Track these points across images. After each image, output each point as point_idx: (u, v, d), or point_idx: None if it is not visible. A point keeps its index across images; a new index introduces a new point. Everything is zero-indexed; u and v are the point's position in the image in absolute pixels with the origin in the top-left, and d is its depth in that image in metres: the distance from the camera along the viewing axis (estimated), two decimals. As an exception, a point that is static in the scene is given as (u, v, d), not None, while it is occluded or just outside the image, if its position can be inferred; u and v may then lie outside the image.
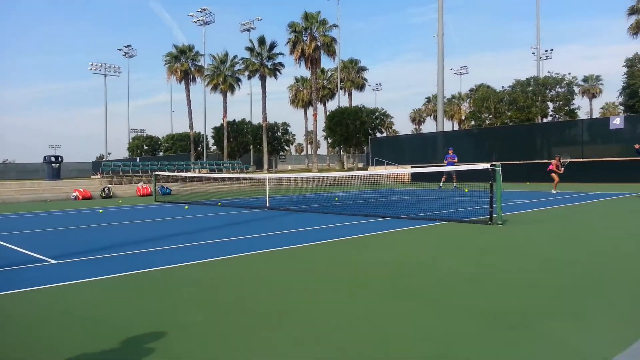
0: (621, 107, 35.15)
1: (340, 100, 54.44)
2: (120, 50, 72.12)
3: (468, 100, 62.31)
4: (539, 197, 15.91)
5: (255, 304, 4.19)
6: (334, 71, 60.49)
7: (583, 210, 11.74)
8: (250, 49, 50.71)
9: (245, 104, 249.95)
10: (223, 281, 5.08)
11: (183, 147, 71.34)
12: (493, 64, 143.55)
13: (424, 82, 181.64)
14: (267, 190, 14.85)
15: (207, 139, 62.00)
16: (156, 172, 22.15)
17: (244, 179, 26.38)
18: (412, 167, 30.48)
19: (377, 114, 47.57)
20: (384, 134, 53.00)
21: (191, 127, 57.97)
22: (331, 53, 48.38)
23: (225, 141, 55.14)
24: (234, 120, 59.91)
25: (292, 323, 3.64)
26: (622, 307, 3.88)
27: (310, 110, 59.85)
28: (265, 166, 51.48)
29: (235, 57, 54.26)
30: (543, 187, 20.36)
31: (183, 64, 54.65)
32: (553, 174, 17.92)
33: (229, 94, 54.92)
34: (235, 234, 8.60)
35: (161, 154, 77.62)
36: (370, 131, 45.87)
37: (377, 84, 79.69)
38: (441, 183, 21.50)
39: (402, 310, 3.92)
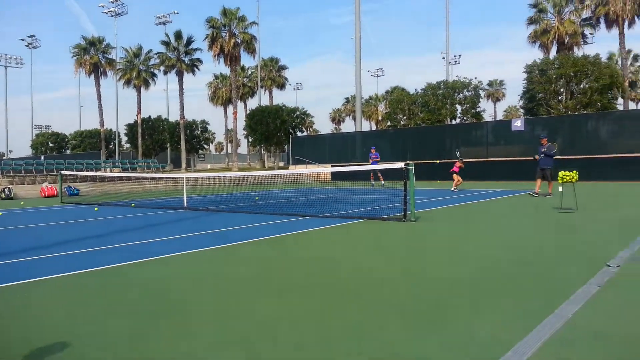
0: (522, 110, 37.98)
1: (261, 99, 54.19)
2: (22, 40, 66.83)
3: (384, 101, 64.53)
4: (449, 194, 16.82)
5: (169, 308, 4.07)
6: (255, 69, 59.99)
7: (489, 207, 12.58)
8: (166, 43, 49.01)
9: (162, 100, 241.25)
10: (135, 286, 4.88)
11: (93, 144, 67.36)
12: (407, 67, 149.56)
13: (343, 82, 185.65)
14: (184, 190, 14.43)
15: (119, 136, 59.03)
16: (62, 172, 20.71)
17: (160, 178, 25.44)
18: (332, 166, 31.01)
19: (297, 113, 47.82)
20: (305, 133, 53.47)
21: (102, 123, 54.97)
22: (251, 51, 47.97)
23: (140, 139, 52.80)
24: (149, 117, 57.49)
25: (209, 326, 3.58)
26: (523, 297, 4.20)
27: (230, 108, 58.88)
28: (184, 165, 50.01)
29: (150, 51, 52.21)
30: (452, 185, 21.53)
31: (93, 56, 51.67)
32: (455, 175, 19.01)
33: (143, 90, 52.75)
34: (149, 236, 8.28)
35: (68, 152, 72.78)
36: (291, 130, 46.03)
37: (297, 83, 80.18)
38: (373, 182, 22.08)
39: (319, 307, 3.98)
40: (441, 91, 38.07)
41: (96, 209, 14.19)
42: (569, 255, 5.99)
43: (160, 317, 3.80)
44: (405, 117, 39.35)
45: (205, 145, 66.78)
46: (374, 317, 3.71)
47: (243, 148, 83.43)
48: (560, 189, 10.98)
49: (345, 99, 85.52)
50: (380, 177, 21.84)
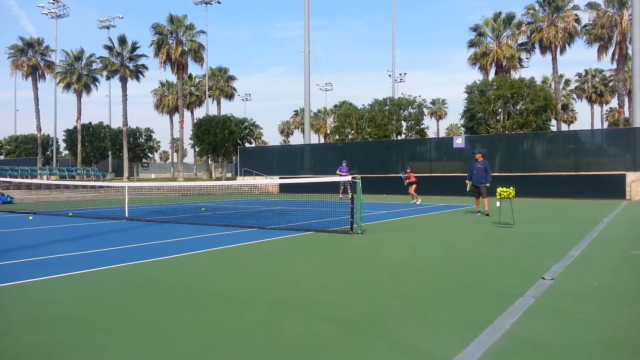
0: (463, 129, 39.52)
1: (209, 108, 53.43)
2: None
3: (333, 115, 65.28)
4: (394, 208, 17.19)
5: (102, 322, 3.90)
6: (202, 78, 59.23)
7: (432, 220, 12.95)
8: (110, 48, 47.58)
9: (104, 106, 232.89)
10: (69, 298, 4.64)
11: (29, 150, 63.99)
12: (355, 82, 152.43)
13: (293, 95, 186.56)
14: (126, 199, 13.95)
15: (57, 142, 56.36)
16: (-7, 178, 19.51)
17: (101, 187, 24.47)
18: (280, 178, 30.94)
19: (246, 124, 47.49)
20: (253, 145, 53.13)
21: (39, 128, 52.37)
22: (199, 59, 47.39)
23: (80, 146, 50.70)
24: (90, 123, 55.41)
25: (147, 342, 3.46)
26: (463, 309, 4.34)
27: (176, 117, 57.73)
28: (126, 174, 48.38)
29: (92, 55, 50.60)
30: (399, 199, 22.05)
31: (31, 58, 49.35)
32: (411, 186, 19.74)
33: (84, 95, 50.88)
34: (87, 247, 7.92)
35: (2, 157, 68.69)
36: (239, 141, 45.61)
37: (246, 94, 79.83)
38: (341, 195, 22.10)
39: (257, 321, 3.94)
40: (387, 107, 39.02)
41: (30, 217, 13.44)
42: (506, 268, 6.25)
43: (82, 332, 3.64)
44: (353, 132, 39.96)
45: (149, 154, 64.91)
46: (313, 331, 3.71)
47: (189, 158, 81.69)
48: (497, 204, 11.48)
49: (294, 111, 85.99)
50: (349, 189, 21.83)
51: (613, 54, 39.31)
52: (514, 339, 3.46)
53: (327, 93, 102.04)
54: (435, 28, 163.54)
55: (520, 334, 3.56)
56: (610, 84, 58.89)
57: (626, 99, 42.95)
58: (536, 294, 4.71)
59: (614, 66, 41.58)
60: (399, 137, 39.12)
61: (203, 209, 16.64)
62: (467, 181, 14.12)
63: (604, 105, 66.76)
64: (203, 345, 3.38)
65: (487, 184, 13.50)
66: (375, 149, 31.11)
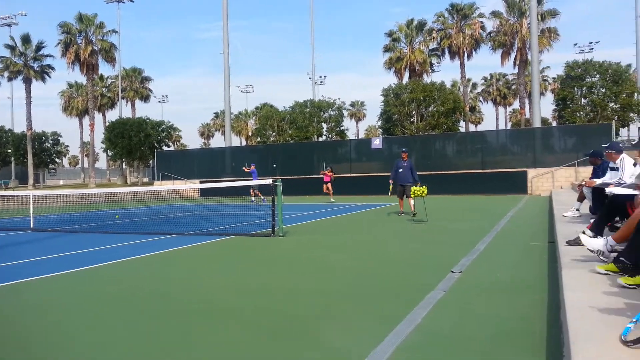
0: (380, 130, 40.84)
1: (123, 111, 50.99)
2: None
3: (254, 117, 64.86)
4: (316, 209, 17.41)
5: (8, 341, 3.64)
6: (115, 79, 56.39)
7: (352, 220, 13.28)
8: (12, 47, 44.07)
9: (5, 109, 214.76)
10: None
11: None
12: (276, 84, 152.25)
13: (213, 97, 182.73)
14: (31, 208, 12.97)
15: (-49, 148, 51.18)
16: None
17: (2, 196, 22.57)
18: (200, 182, 30.22)
19: (163, 126, 45.82)
20: (172, 148, 51.40)
21: None
22: (110, 59, 45.17)
23: (-24, 151, 46.38)
24: (-11, 127, 50.88)
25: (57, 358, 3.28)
26: (378, 305, 4.52)
27: (86, 120, 54.52)
28: (31, 181, 44.99)
29: (-10, 54, 46.32)
30: (320, 200, 22.36)
31: None
32: (327, 185, 20.19)
33: (-19, 96, 46.53)
34: (-14, 262, 7.30)
35: None
36: (156, 144, 43.91)
37: (163, 96, 76.82)
38: (253, 197, 21.93)
39: (176, 331, 3.87)
40: (308, 109, 39.43)
41: None
42: (419, 264, 6.58)
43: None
44: (274, 134, 39.94)
45: (57, 160, 60.73)
46: (231, 335, 3.71)
47: (102, 163, 77.42)
48: (412, 202, 12.02)
49: (215, 113, 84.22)
50: (258, 193, 21.77)
51: (515, 60, 42.39)
52: (425, 333, 3.66)
53: (248, 95, 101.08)
54: (354, 32, 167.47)
55: (430, 327, 3.78)
56: (513, 87, 63.39)
57: (527, 101, 46.55)
58: (446, 287, 5.01)
59: (516, 71, 44.86)
60: (320, 139, 39.66)
61: (117, 216, 15.88)
62: (390, 180, 13.56)
63: (508, 107, 71.84)
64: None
65: (418, 183, 12.57)
66: (297, 150, 31.32)
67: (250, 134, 67.46)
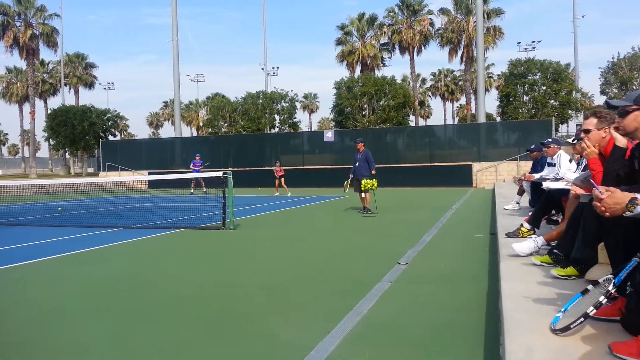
0: (333, 123, 41.04)
1: (65, 98, 48.74)
2: None
3: (205, 107, 63.60)
4: (268, 201, 17.36)
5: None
6: (57, 64, 53.75)
7: (303, 212, 13.33)
8: (-59, 27, 41.06)
9: None
10: None
11: None
12: (228, 74, 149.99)
13: (162, 85, 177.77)
14: (-37, 201, 12.24)
15: None
16: None
17: None
18: (149, 173, 29.41)
19: (109, 115, 44.20)
20: (118, 137, 49.67)
21: None
22: (52, 44, 43.08)
23: None
24: None
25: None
26: (325, 297, 4.59)
27: (27, 107, 51.81)
28: (-37, 171, 42.28)
29: None
30: (272, 192, 22.27)
31: None
32: (282, 179, 20.23)
33: None
34: None
35: None
36: (101, 133, 42.32)
37: (109, 83, 73.80)
38: (192, 189, 21.58)
39: (118, 329, 3.79)
40: (260, 101, 39.08)
41: None
42: (367, 255, 6.71)
43: None
44: (226, 125, 39.36)
45: (-7, 148, 57.41)
46: (177, 333, 3.65)
47: (44, 152, 73.86)
48: (362, 195, 12.19)
49: (164, 102, 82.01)
50: (202, 183, 21.52)
51: (462, 56, 43.63)
52: (370, 324, 3.75)
53: (199, 84, 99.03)
54: (308, 24, 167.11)
55: (375, 319, 3.88)
56: (460, 83, 65.23)
57: (473, 97, 48.06)
58: (392, 279, 5.15)
59: (463, 67, 46.21)
60: (273, 131, 39.45)
61: (59, 208, 15.22)
62: (350, 175, 12.65)
63: (455, 102, 73.92)
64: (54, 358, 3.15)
65: (373, 171, 12.04)
66: (249, 142, 31.03)
67: (201, 124, 66.14)
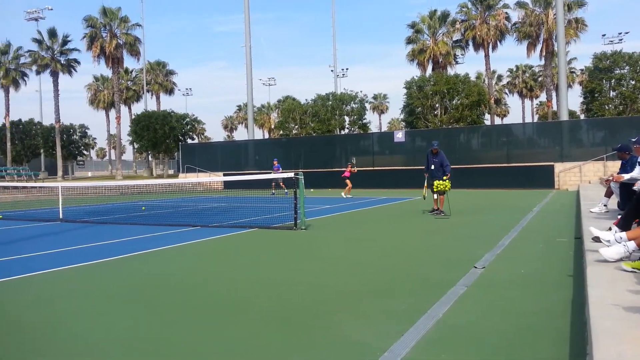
0: (403, 123, 40.51)
1: (148, 104, 51.81)
2: None
3: (276, 110, 65.03)
4: (338, 202, 17.43)
5: (36, 329, 3.78)
6: (140, 72, 57.23)
7: (374, 214, 13.26)
8: (39, 41, 45.03)
9: (34, 102, 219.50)
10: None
11: (-49, 149, 59.50)
12: (298, 77, 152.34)
13: (236, 89, 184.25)
14: (60, 200, 13.33)
15: (-16, 141, 52.75)
16: None
17: (33, 187, 23.22)
18: (224, 174, 30.54)
19: (187, 119, 46.40)
20: (196, 140, 52.02)
21: (-38, 126, 48.77)
22: (135, 53, 45.82)
23: (9, 144, 47.84)
24: (20, 120, 52.36)
25: (78, 348, 3.39)
26: (399, 299, 4.53)
27: (113, 113, 55.64)
28: (60, 173, 46.10)
29: (20, 48, 47.65)
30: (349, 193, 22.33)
31: (-50, 51, 45.83)
32: (347, 180, 20.08)
33: (12, 90, 47.92)
34: (19, 251, 7.54)
35: None
36: (180, 137, 44.52)
37: (187, 89, 77.68)
38: (273, 190, 22.27)
39: (200, 323, 3.96)
40: (330, 102, 39.35)
41: (-48, 223, 12.59)
42: (441, 258, 6.55)
43: (18, 340, 3.53)
44: (297, 127, 40.02)
45: (84, 152, 62.09)
46: (255, 328, 3.77)
47: (128, 155, 78.91)
48: (435, 196, 11.91)
49: (238, 106, 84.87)
50: (282, 184, 22.00)
51: (541, 51, 41.48)
52: (445, 328, 3.66)
53: (271, 88, 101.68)
54: (377, 23, 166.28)
55: (451, 322, 3.78)
56: (539, 79, 62.10)
57: (554, 94, 45.54)
58: (468, 283, 4.99)
59: (542, 62, 43.92)
60: (342, 132, 39.60)
61: (143, 208, 16.19)
62: (425, 174, 12.63)
63: (534, 99, 70.40)
64: (141, 352, 3.35)
65: (445, 177, 11.77)
66: (319, 143, 31.34)
67: (272, 126, 67.72)
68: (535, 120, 65.65)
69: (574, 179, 23.27)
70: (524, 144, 25.43)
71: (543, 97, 58.58)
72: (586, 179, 22.85)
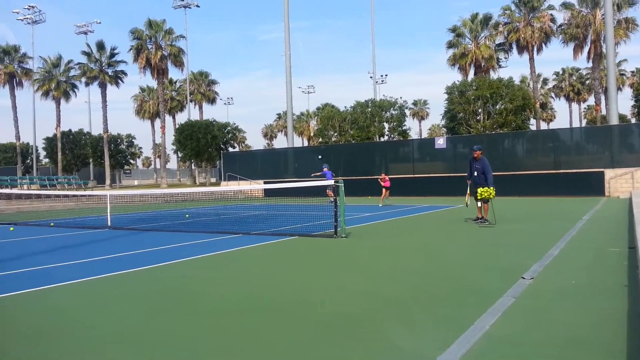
0: (444, 129, 39.90)
1: (191, 113, 53.11)
2: None
3: (316, 118, 65.40)
4: (378, 210, 17.30)
5: (87, 333, 3.91)
6: (183, 82, 58.84)
7: (415, 222, 13.08)
8: (88, 54, 47.04)
9: (83, 113, 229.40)
10: (54, 311, 4.63)
11: (8, 159, 62.98)
12: (337, 84, 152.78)
13: (275, 98, 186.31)
14: (108, 208, 13.82)
15: (37, 150, 55.52)
16: (-29, 189, 19.15)
17: (82, 195, 24.18)
18: (264, 182, 30.90)
19: (229, 128, 47.32)
20: (237, 149, 52.93)
21: (18, 137, 51.46)
22: (179, 64, 47.13)
23: (60, 153, 50.03)
24: (70, 130, 54.74)
25: (130, 351, 3.48)
26: (444, 309, 4.43)
27: (157, 122, 57.34)
28: (108, 181, 47.83)
29: (70, 61, 49.86)
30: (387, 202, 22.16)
31: (7, 65, 48.56)
32: (384, 189, 19.87)
33: (63, 101, 50.21)
34: (70, 257, 7.86)
35: (-22, 167, 67.36)
36: (222, 145, 45.42)
37: (228, 98, 79.41)
38: (331, 197, 22.09)
39: (244, 328, 3.99)
40: (369, 109, 39.22)
41: (11, 229, 13.25)
42: (487, 268, 6.37)
43: (71, 343, 3.65)
44: (336, 134, 40.08)
45: (131, 161, 64.29)
46: (300, 336, 3.77)
47: (173, 163, 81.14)
48: (478, 204, 11.63)
49: (277, 114, 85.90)
50: (330, 193, 21.70)
51: (589, 53, 40.07)
52: (493, 339, 3.55)
53: (310, 95, 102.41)
54: (416, 29, 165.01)
55: (498, 334, 3.66)
56: (587, 82, 59.99)
57: (602, 97, 43.84)
58: (515, 294, 4.83)
59: (590, 65, 42.42)
60: (382, 139, 39.37)
61: (187, 215, 16.57)
62: (467, 180, 12.15)
63: (582, 103, 68.05)
64: (185, 353, 3.41)
65: (489, 189, 11.22)
66: (359, 151, 31.27)
67: (312, 134, 68.13)
68: (584, 124, 63.34)
69: (625, 186, 22.24)
70: (572, 150, 24.54)
71: (591, 100, 56.48)
72: (639, 186, 21.79)
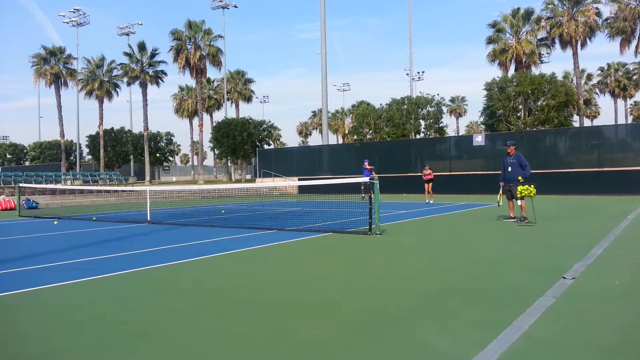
0: (483, 126, 39.06)
1: (227, 111, 53.91)
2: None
3: (351, 115, 65.22)
4: (413, 207, 17.10)
5: (131, 326, 4.01)
6: (221, 81, 59.77)
7: (451, 220, 12.85)
8: (130, 55, 48.40)
9: (125, 111, 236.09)
10: (96, 302, 4.77)
11: (53, 156, 65.55)
12: (373, 82, 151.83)
13: (310, 96, 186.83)
14: (148, 203, 14.18)
15: (80, 147, 57.55)
16: (21, 184, 20.01)
17: (123, 191, 24.89)
18: (299, 179, 31.05)
19: (264, 126, 47.79)
20: (272, 146, 53.41)
21: (62, 134, 53.53)
22: (217, 63, 47.87)
23: (102, 150, 51.69)
24: (112, 128, 56.52)
25: (170, 344, 3.55)
26: (482, 309, 4.33)
27: (196, 120, 58.45)
28: (147, 177, 49.11)
29: (112, 61, 51.40)
30: (418, 198, 21.92)
31: (53, 66, 50.46)
32: (426, 183, 19.71)
33: (105, 101, 51.78)
34: (112, 251, 8.10)
35: (27, 163, 70.56)
36: (257, 143, 45.91)
37: (264, 96, 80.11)
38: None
39: (281, 324, 4.00)
40: (405, 106, 38.80)
41: (55, 222, 13.78)
42: (527, 268, 6.19)
43: (111, 335, 3.75)
44: (371, 131, 39.85)
45: (170, 158, 65.82)
46: (336, 333, 3.75)
47: (209, 160, 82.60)
48: (519, 203, 11.31)
49: (312, 112, 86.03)
50: (363, 189, 21.62)
51: (636, 47, 38.38)
52: (532, 340, 3.45)
53: (345, 93, 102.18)
54: (453, 25, 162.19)
55: (538, 335, 3.55)
56: (634, 77, 57.60)
57: (651, 93, 41.92)
58: (556, 294, 4.68)
59: (638, 59, 40.66)
60: (418, 136, 38.88)
61: (223, 211, 16.82)
62: (500, 182, 11.90)
63: (628, 99, 65.33)
64: (220, 348, 3.45)
65: (521, 179, 11.06)
66: (394, 148, 30.99)
67: (346, 132, 67.97)
68: (630, 121, 60.76)
69: (675, 185, 21.23)
70: (617, 147, 23.59)
71: (638, 96, 54.17)
72: (691, 185, 20.74)
